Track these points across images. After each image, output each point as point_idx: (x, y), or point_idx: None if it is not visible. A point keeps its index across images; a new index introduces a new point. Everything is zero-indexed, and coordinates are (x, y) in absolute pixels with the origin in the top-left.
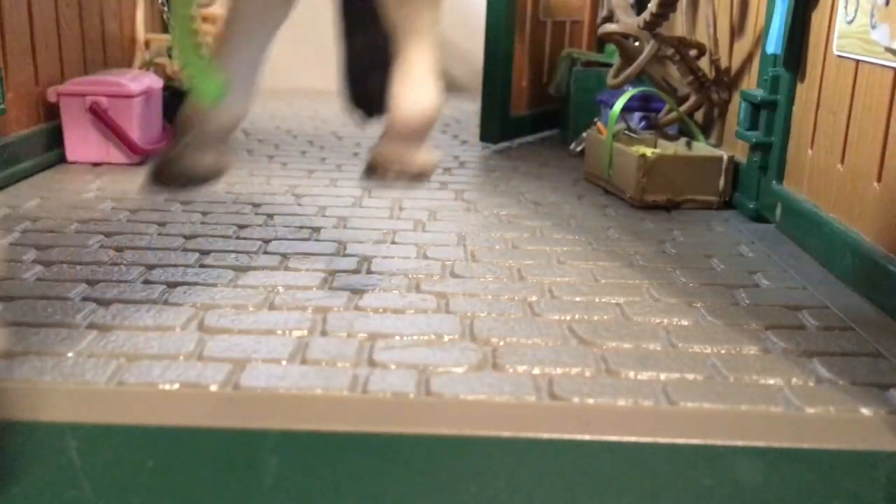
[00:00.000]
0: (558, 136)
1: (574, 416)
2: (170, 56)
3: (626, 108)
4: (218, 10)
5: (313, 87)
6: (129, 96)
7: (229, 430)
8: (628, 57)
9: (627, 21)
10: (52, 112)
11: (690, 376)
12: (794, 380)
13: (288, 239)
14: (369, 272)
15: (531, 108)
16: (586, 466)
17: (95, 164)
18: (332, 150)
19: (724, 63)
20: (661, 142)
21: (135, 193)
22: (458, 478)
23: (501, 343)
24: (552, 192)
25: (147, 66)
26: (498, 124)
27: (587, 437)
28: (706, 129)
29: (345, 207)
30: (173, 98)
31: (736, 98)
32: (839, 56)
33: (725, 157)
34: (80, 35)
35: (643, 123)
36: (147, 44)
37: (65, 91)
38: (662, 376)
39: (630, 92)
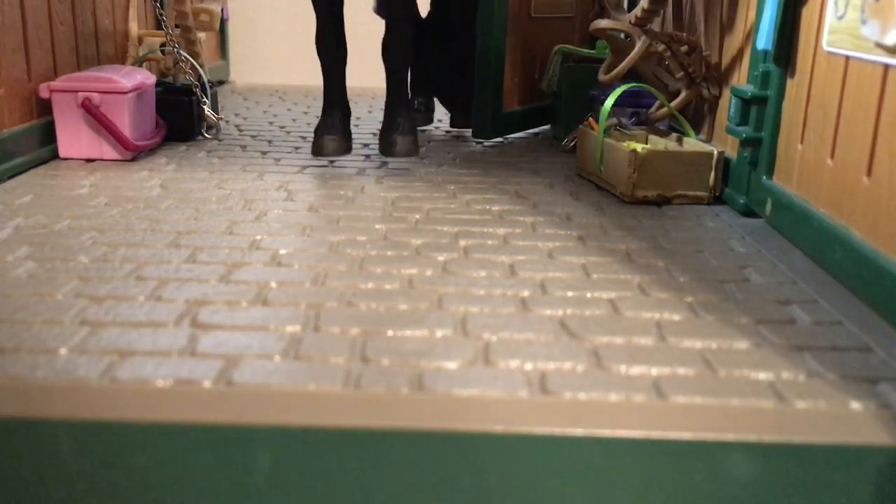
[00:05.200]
0: (550, 131)
1: (566, 411)
2: (162, 52)
3: (618, 104)
4: (212, 5)
5: (307, 83)
6: (122, 92)
7: (222, 425)
8: (619, 53)
9: (618, 17)
10: (44, 108)
11: (681, 371)
12: (784, 374)
13: (281, 235)
14: (361, 268)
15: (523, 103)
16: (578, 461)
17: (88, 161)
18: None
19: (714, 59)
20: (652, 137)
21: (128, 189)
22: (451, 472)
23: (494, 338)
24: (544, 188)
25: (140, 62)
26: (491, 120)
27: (579, 432)
28: (697, 125)
29: (338, 204)
30: (166, 94)
31: (726, 94)
32: (829, 52)
33: (716, 152)
34: (72, 31)
35: (634, 119)
36: (140, 40)
37: (57, 87)
38: (654, 371)
39: (621, 87)
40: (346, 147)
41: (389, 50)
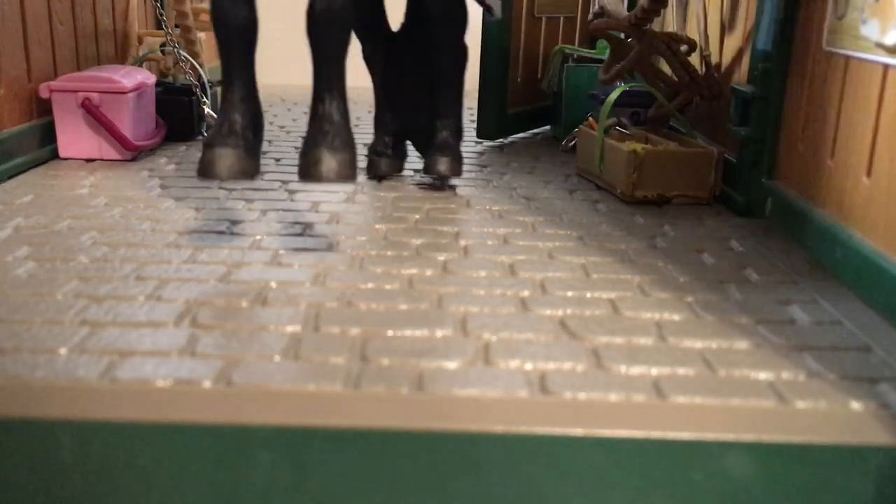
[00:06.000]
0: (550, 131)
1: (566, 411)
2: (162, 52)
3: (617, 104)
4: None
5: (307, 83)
6: (122, 92)
7: (222, 426)
8: (619, 52)
9: (618, 16)
10: (44, 108)
11: (682, 371)
12: (784, 374)
13: (281, 234)
14: (361, 268)
15: (526, 104)
16: (578, 461)
17: (88, 161)
18: None
19: (714, 58)
20: (652, 137)
21: (128, 189)
22: (451, 472)
23: (494, 338)
24: (544, 188)
25: (140, 62)
26: (494, 121)
27: (579, 432)
28: (697, 125)
29: (338, 203)
30: (166, 94)
31: (727, 93)
32: (829, 51)
33: (716, 152)
34: (72, 31)
35: (634, 119)
36: (140, 39)
37: (56, 87)
38: (654, 371)
39: (621, 87)
40: (248, 167)
41: (318, 17)
